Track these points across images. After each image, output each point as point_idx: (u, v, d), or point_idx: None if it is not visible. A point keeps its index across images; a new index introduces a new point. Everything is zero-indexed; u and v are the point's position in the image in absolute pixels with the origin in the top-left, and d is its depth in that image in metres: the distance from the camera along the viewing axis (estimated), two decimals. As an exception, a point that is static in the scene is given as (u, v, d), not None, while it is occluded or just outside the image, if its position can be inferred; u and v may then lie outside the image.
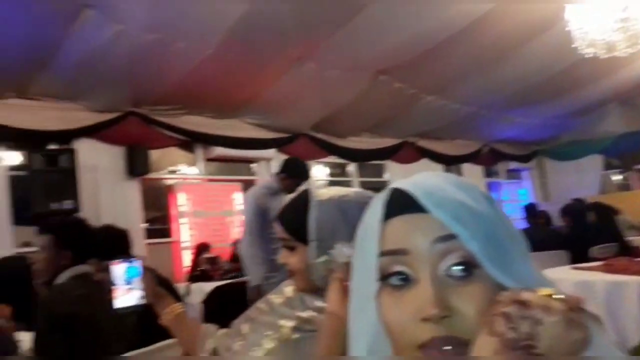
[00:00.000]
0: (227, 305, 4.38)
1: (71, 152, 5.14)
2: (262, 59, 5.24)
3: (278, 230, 1.08)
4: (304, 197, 1.04)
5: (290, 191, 3.21)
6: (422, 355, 0.51)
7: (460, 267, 0.53)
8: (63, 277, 1.87)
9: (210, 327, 1.29)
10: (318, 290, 1.04)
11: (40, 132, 5.09)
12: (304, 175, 3.63)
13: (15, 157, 5.31)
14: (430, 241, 0.54)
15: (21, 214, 5.10)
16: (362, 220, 0.60)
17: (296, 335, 1.05)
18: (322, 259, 1.01)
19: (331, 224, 1.00)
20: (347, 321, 0.81)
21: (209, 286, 4.96)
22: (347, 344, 0.81)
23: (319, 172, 7.88)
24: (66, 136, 5.29)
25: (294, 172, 3.56)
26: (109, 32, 4.34)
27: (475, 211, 0.54)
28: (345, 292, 0.81)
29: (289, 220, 1.06)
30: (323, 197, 1.03)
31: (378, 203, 0.58)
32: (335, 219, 1.01)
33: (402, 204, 0.56)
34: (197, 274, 5.65)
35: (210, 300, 4.56)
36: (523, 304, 0.45)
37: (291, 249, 1.06)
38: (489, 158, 9.80)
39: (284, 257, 1.07)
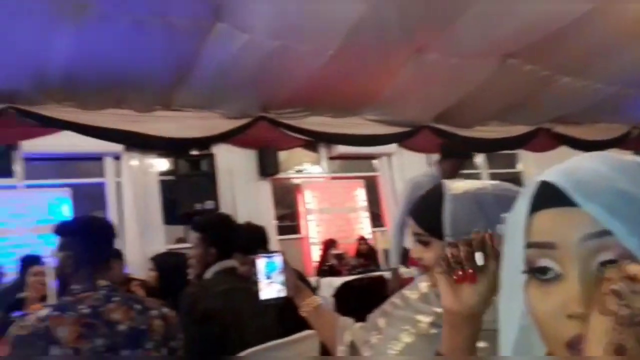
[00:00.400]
0: (356, 300, 4.46)
1: (211, 157, 5.66)
2: (382, 54, 5.23)
3: (411, 225, 1.07)
4: (438, 191, 1.02)
5: (453, 175, 3.11)
6: (568, 355, 0.48)
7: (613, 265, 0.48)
8: (210, 273, 2.03)
9: (347, 320, 1.33)
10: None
11: (184, 139, 5.64)
12: (464, 154, 3.41)
13: (163, 164, 5.94)
14: (580, 237, 0.49)
15: (170, 214, 5.69)
16: (510, 212, 0.58)
17: (434, 331, 1.04)
18: (459, 254, 0.98)
19: (467, 218, 0.97)
20: (463, 315, 0.79)
21: (337, 281, 5.09)
22: (470, 336, 0.79)
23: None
24: (206, 142, 5.81)
25: (452, 153, 3.35)
26: (238, 43, 4.66)
27: (637, 200, 0.49)
28: (453, 285, 0.79)
29: (422, 214, 1.05)
30: (458, 190, 1.00)
31: (525, 196, 0.55)
32: (471, 213, 0.97)
33: (550, 196, 0.53)
34: (325, 269, 5.83)
35: (340, 295, 4.67)
36: (632, 278, 0.42)
37: (425, 244, 1.04)
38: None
39: (418, 252, 1.06)
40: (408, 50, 5.33)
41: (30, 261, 3.43)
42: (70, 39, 4.22)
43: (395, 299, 1.22)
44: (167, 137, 5.54)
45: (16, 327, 1.37)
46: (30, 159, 5.40)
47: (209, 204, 5.34)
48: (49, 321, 1.34)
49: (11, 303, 3.03)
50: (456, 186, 1.02)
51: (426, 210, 1.04)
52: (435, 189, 1.05)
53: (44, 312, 1.39)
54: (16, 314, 2.82)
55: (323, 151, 6.86)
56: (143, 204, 5.57)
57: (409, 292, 1.19)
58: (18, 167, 5.32)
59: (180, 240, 5.73)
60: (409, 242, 3.10)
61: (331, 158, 6.95)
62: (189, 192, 5.40)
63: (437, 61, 5.46)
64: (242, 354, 1.55)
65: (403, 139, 6.92)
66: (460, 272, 0.78)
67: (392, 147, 6.95)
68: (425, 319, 1.07)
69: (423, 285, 1.16)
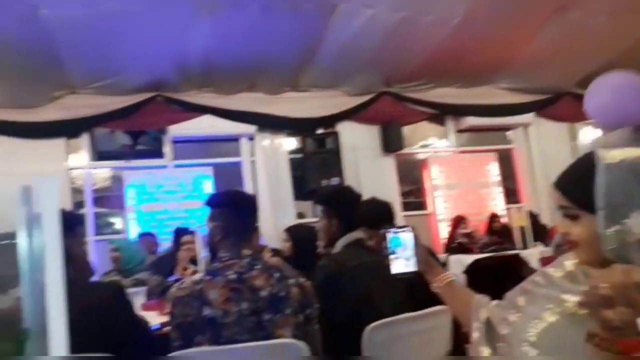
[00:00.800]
0: (488, 278, 4.28)
1: (336, 135, 5.78)
2: (515, 16, 4.85)
3: (556, 198, 1.00)
4: (589, 161, 0.93)
5: None
6: None
7: None
8: (339, 246, 2.09)
9: (483, 298, 1.28)
10: (605, 264, 0.93)
11: (310, 119, 5.83)
12: None
13: (292, 143, 6.20)
14: None
15: (299, 191, 5.95)
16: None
17: (582, 311, 0.97)
18: (614, 229, 0.89)
19: (624, 189, 0.88)
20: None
21: (467, 259, 4.93)
22: None
23: (587, 135, 6.93)
24: (331, 121, 5.94)
25: None
26: (362, 19, 4.64)
27: None
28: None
29: (571, 186, 0.97)
30: (614, 159, 0.91)
31: None
32: (629, 184, 0.88)
33: None
34: (454, 246, 5.67)
35: (471, 272, 4.53)
36: None
37: (574, 218, 0.96)
38: None
39: (565, 227, 0.98)
40: (545, 10, 4.87)
41: (182, 232, 3.82)
42: (207, 28, 4.55)
43: (536, 277, 1.15)
44: (295, 118, 5.77)
45: (175, 289, 1.56)
46: (177, 142, 6.00)
47: (334, 180, 5.48)
48: (203, 284, 1.50)
49: (167, 269, 3.42)
50: (611, 155, 0.92)
51: (576, 182, 0.96)
52: (586, 157, 0.96)
53: (198, 276, 1.55)
54: (172, 278, 3.18)
55: (450, 124, 6.62)
56: (275, 181, 5.89)
57: (552, 270, 1.11)
58: (167, 149, 5.94)
59: (300, 215, 5.99)
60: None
61: (459, 131, 6.68)
62: (315, 170, 5.59)
63: (580, 20, 4.92)
64: (374, 324, 1.58)
65: (541, 108, 6.41)
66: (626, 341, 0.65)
67: (529, 117, 6.49)
68: (571, 299, 1.00)
69: (569, 263, 1.08)
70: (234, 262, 1.55)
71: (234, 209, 1.65)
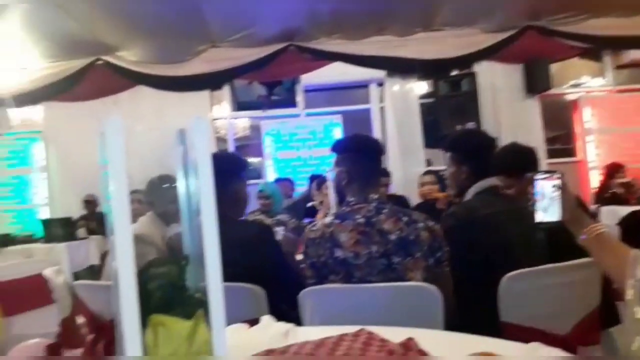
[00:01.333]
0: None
1: (472, 76, 5.43)
2: None
3: None
4: None
5: None
6: None
7: None
8: (470, 193, 1.96)
9: (640, 252, 1.13)
10: None
11: (444, 60, 5.53)
12: None
13: (423, 87, 5.97)
14: None
15: (430, 137, 5.77)
16: None
17: None
18: None
19: None
20: None
21: (623, 210, 4.41)
22: None
23: None
24: (468, 61, 5.57)
25: None
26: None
27: None
28: None
29: None
30: None
31: None
32: None
33: None
34: (607, 197, 5.10)
35: (626, 225, 4.06)
36: None
37: None
38: None
39: None
40: None
41: (315, 178, 3.97)
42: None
43: None
44: (427, 59, 5.52)
45: (308, 231, 1.62)
46: (308, 91, 6.14)
47: (470, 125, 5.20)
48: (333, 227, 1.54)
49: (302, 211, 3.60)
50: None
51: None
52: None
53: (329, 219, 1.59)
54: (307, 220, 3.35)
55: (608, 60, 5.81)
56: (404, 127, 5.77)
57: None
58: (300, 98, 6.11)
59: (428, 163, 5.82)
60: None
61: (619, 67, 5.84)
62: (449, 114, 5.34)
63: None
64: (512, 274, 1.49)
65: None
66: None
67: None
68: None
69: None
70: (361, 206, 1.55)
71: (357, 154, 1.64)
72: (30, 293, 2.64)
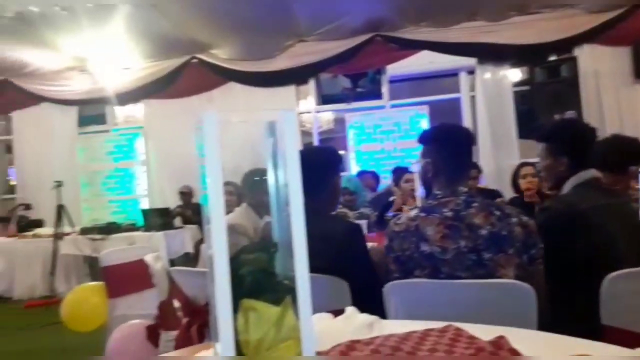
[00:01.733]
0: None
1: (572, 61, 5.07)
2: None
3: None
4: None
5: None
6: None
7: None
8: (568, 186, 1.83)
9: None
10: None
11: (542, 44, 5.18)
12: None
13: (517, 74, 5.65)
14: None
15: (525, 127, 5.44)
16: None
17: None
18: None
19: None
20: None
21: None
22: None
23: None
24: (568, 45, 5.19)
25: None
26: None
27: None
28: None
29: None
30: None
31: None
32: None
33: None
34: None
35: None
36: None
37: None
38: None
39: None
40: None
41: (400, 171, 3.93)
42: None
43: None
44: (523, 44, 5.21)
45: (393, 224, 1.60)
46: (393, 81, 6.05)
47: (569, 114, 4.84)
48: (419, 221, 1.51)
49: (385, 205, 3.58)
50: None
51: None
52: None
53: (414, 212, 1.56)
54: (389, 213, 3.32)
55: None
56: (497, 117, 5.51)
57: None
58: (385, 89, 6.05)
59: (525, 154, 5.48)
60: None
61: None
62: (546, 102, 5.01)
63: None
64: (616, 274, 1.38)
65: None
66: None
67: None
68: None
69: None
70: (449, 200, 1.50)
71: (444, 144, 1.58)
72: (132, 277, 2.85)
